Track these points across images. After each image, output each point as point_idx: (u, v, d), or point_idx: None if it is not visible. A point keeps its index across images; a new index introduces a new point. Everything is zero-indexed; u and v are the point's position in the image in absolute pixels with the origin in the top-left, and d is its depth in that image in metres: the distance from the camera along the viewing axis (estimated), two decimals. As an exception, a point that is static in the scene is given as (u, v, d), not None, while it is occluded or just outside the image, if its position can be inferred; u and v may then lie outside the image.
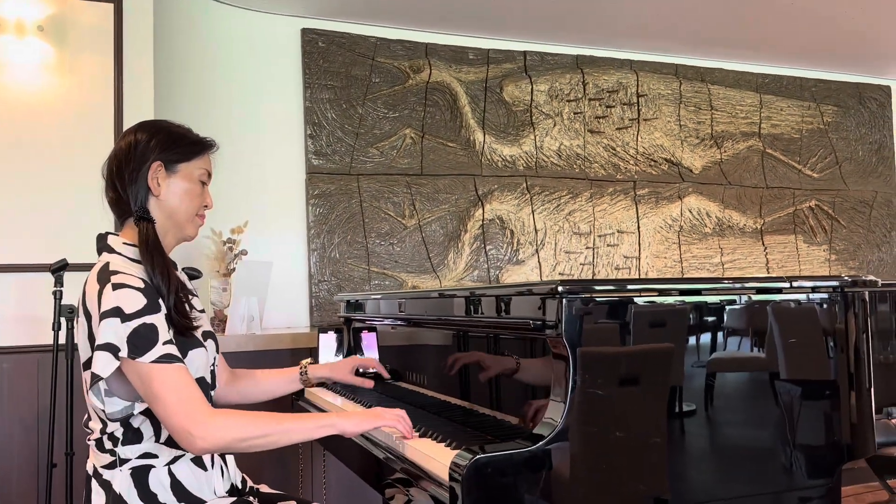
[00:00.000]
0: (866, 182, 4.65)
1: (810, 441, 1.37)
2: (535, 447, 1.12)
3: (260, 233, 3.30)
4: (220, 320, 2.94)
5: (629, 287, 1.21)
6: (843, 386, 1.41)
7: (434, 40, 3.76)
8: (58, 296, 2.35)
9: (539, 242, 3.88)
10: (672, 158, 4.19)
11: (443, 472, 1.19)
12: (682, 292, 1.25)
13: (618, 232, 4.05)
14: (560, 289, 1.16)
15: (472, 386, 1.68)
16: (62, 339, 2.39)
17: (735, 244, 4.28)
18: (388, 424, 1.46)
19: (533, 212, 3.88)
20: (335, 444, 1.98)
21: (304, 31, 3.53)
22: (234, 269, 2.99)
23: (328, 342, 2.44)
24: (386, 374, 2.10)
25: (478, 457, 1.10)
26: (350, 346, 2.45)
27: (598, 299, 1.19)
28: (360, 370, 2.12)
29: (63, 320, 2.36)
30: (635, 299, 1.21)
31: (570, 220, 3.95)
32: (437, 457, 1.26)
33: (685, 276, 4.09)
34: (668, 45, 4.10)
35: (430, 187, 3.70)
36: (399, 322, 2.15)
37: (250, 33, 3.44)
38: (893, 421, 3.29)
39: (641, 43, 4.05)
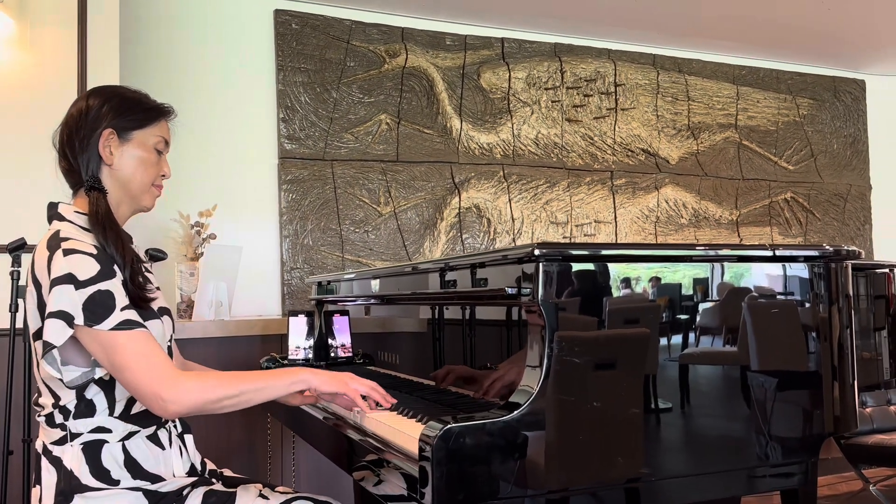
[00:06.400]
0: (841, 175, 4.66)
1: (790, 416, 1.33)
2: (509, 416, 1.07)
3: (230, 217, 3.21)
4: (187, 305, 2.85)
5: (608, 252, 1.16)
6: (825, 372, 1.38)
7: (411, 25, 3.70)
8: (15, 276, 2.26)
9: (516, 231, 3.84)
10: (649, 149, 4.17)
11: (413, 446, 1.13)
12: (663, 258, 1.21)
13: (595, 222, 4.02)
14: (536, 252, 1.11)
15: (447, 365, 1.62)
16: (20, 323, 2.29)
17: (711, 235, 4.27)
18: (352, 395, 1.41)
19: (510, 200, 3.84)
20: (305, 429, 1.92)
21: (277, 13, 3.45)
22: (201, 254, 2.90)
23: (298, 326, 2.37)
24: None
25: (448, 426, 1.04)
26: (322, 331, 2.38)
27: (575, 263, 1.14)
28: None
29: (21, 302, 2.26)
30: (614, 263, 1.16)
31: (547, 209, 3.91)
32: (406, 430, 1.20)
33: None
34: (646, 35, 4.07)
35: (406, 174, 3.64)
36: (372, 301, 2.09)
37: (221, 12, 3.36)
38: (867, 410, 3.29)
39: (620, 32, 4.02)
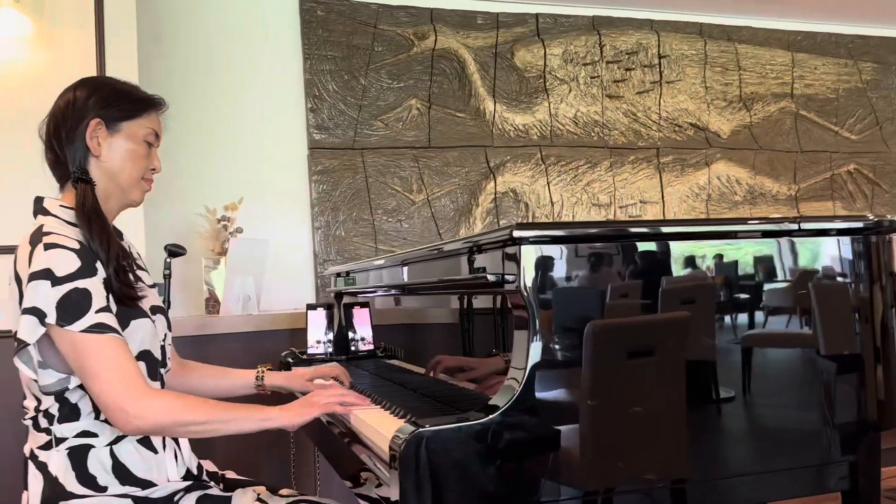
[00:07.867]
0: (911, 143, 4.33)
1: (822, 410, 1.17)
2: (487, 419, 0.96)
3: (259, 211, 3.15)
4: (214, 301, 2.82)
5: (597, 231, 1.03)
6: (867, 357, 1.21)
7: (439, 5, 3.57)
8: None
9: (556, 215, 3.68)
10: (698, 123, 3.95)
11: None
12: (666, 236, 1.06)
13: (640, 202, 3.83)
14: (516, 234, 0.99)
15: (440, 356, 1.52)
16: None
17: (768, 213, 4.02)
18: (328, 410, 1.34)
19: (548, 183, 3.69)
20: (321, 440, 1.84)
21: (303, 0, 3.38)
22: (227, 249, 2.86)
23: (317, 319, 2.30)
24: (346, 381, 1.73)
25: (419, 430, 0.94)
26: (341, 324, 2.31)
27: (562, 246, 1.01)
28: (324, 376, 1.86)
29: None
30: (606, 243, 1.02)
31: (588, 190, 3.75)
32: (386, 432, 1.10)
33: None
34: (691, 3, 3.85)
35: (439, 160, 3.53)
36: (387, 293, 2.00)
37: (243, 2, 3.30)
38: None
39: (662, 0, 3.81)
